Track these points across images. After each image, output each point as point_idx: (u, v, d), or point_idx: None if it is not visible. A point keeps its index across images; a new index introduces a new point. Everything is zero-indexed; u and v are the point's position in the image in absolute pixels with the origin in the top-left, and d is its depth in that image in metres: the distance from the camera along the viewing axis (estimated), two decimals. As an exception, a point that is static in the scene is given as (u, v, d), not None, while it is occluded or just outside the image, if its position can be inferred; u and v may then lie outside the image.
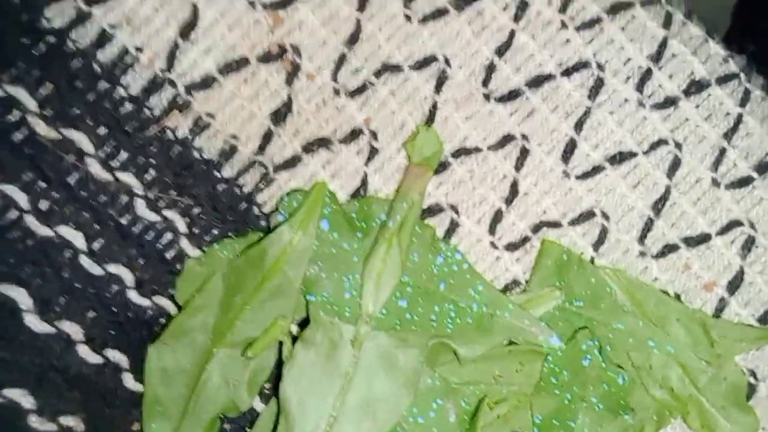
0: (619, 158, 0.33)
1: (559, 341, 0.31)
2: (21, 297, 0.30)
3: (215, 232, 0.32)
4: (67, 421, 0.31)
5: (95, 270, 0.31)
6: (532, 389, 0.32)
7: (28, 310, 0.30)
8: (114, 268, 0.31)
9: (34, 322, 0.30)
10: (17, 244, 0.30)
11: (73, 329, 0.30)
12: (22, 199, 0.29)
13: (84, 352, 0.31)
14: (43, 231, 0.30)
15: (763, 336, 0.33)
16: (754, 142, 0.33)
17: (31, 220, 0.30)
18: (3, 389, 0.30)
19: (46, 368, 0.30)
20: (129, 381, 0.32)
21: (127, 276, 0.31)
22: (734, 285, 0.34)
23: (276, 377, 0.32)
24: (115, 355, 0.31)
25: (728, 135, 0.33)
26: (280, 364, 0.32)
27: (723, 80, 0.33)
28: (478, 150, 0.33)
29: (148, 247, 0.32)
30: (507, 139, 0.33)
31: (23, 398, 0.30)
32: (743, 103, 0.33)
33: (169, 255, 0.32)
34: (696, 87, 0.33)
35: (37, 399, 0.30)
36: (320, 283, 0.31)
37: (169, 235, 0.32)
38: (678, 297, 0.34)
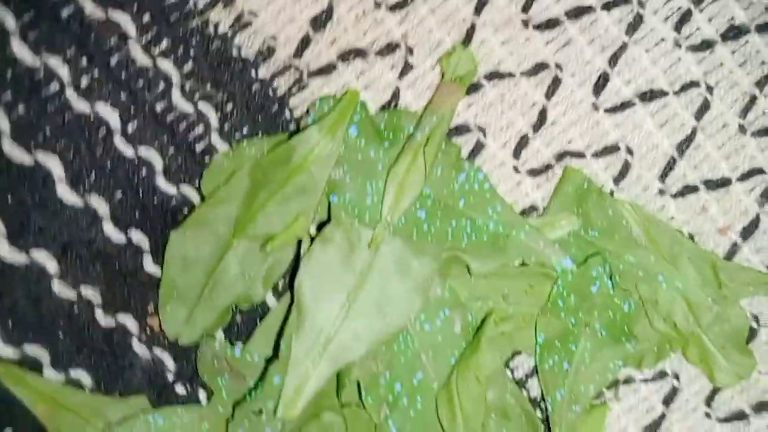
0: (649, 96, 0.33)
1: (571, 263, 0.32)
2: (55, 167, 0.31)
3: (245, 130, 0.33)
4: (87, 291, 0.32)
5: (127, 151, 0.31)
6: (538, 310, 0.33)
7: (60, 180, 0.31)
8: (145, 152, 0.32)
9: (65, 192, 0.31)
10: (56, 116, 0.30)
11: (100, 205, 0.31)
12: (64, 73, 0.30)
13: (108, 229, 0.32)
14: (82, 106, 0.31)
15: (772, 282, 0.33)
16: (787, 92, 0.34)
17: (71, 94, 0.30)
18: (32, 249, 0.31)
19: (72, 239, 0.31)
20: (149, 263, 0.33)
21: (157, 161, 0.32)
22: (748, 231, 0.34)
23: (292, 275, 0.33)
24: (138, 237, 0.32)
25: (761, 83, 0.34)
26: (296, 264, 0.33)
27: (763, 28, 0.33)
28: (511, 75, 0.33)
29: (180, 137, 0.32)
30: (541, 66, 0.33)
31: (49, 262, 0.31)
32: (780, 52, 0.33)
33: (199, 147, 0.33)
34: (734, 32, 0.33)
35: (61, 266, 0.31)
36: (344, 186, 0.32)
37: (200, 128, 0.33)
38: (691, 237, 0.34)
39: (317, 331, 0.30)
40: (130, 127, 0.32)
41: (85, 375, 0.33)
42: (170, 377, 0.34)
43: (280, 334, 0.32)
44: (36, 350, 0.31)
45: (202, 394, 0.34)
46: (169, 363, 0.34)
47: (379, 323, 0.31)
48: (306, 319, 0.31)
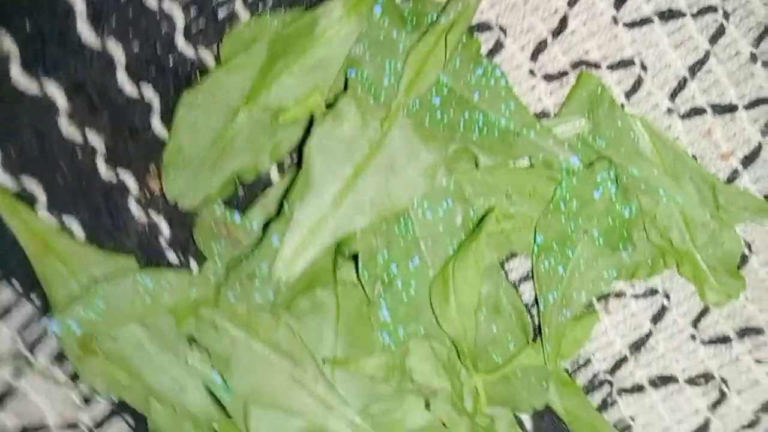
0: (668, 15, 0.34)
1: (578, 161, 0.32)
2: (77, 2, 0.30)
3: (269, 3, 0.33)
4: (92, 137, 0.31)
5: (151, 1, 0.31)
6: (539, 214, 0.33)
7: (81, 15, 0.30)
8: (168, 6, 0.31)
9: (84, 29, 0.30)
10: (81, -48, 0.30)
11: (117, 52, 0.31)
12: None
13: (122, 79, 0.31)
14: (109, -53, 0.30)
15: (767, 209, 0.34)
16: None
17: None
18: (44, 80, 0.30)
19: (85, 80, 0.31)
20: (156, 123, 0.32)
21: (179, 19, 0.32)
22: (750, 159, 0.35)
23: (299, 153, 0.33)
24: (149, 94, 0.32)
25: (776, 16, 0.34)
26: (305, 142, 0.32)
27: (782, -37, 0.34)
28: (535, -20, 0.34)
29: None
30: (564, -26, 0.34)
31: (59, 97, 0.30)
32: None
33: (222, 13, 0.32)
34: (755, -37, 0.34)
35: (71, 104, 0.30)
36: (362, 63, 0.32)
37: (226, -7, 0.32)
38: (694, 159, 0.35)
39: (322, 197, 0.30)
40: (155, -21, 0.31)
41: (78, 226, 0.32)
42: (163, 243, 0.33)
43: (283, 197, 0.31)
44: (33, 185, 0.31)
45: (194, 265, 0.34)
46: (164, 228, 0.33)
47: (384, 199, 0.31)
48: (312, 185, 0.30)
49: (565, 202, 0.33)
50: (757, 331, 0.36)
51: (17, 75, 0.30)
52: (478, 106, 0.32)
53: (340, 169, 0.31)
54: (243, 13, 0.33)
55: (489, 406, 0.34)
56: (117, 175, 0.32)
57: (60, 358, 0.33)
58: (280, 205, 0.31)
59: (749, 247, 0.35)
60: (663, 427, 0.36)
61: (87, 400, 0.34)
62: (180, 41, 0.32)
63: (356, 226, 0.31)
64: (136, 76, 0.31)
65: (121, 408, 0.34)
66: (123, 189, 0.32)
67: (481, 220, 0.32)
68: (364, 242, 0.32)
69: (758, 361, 0.36)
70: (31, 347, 0.32)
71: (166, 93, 0.32)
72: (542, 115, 0.35)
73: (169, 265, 0.33)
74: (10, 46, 0.30)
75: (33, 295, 0.32)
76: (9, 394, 0.33)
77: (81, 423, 0.34)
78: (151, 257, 0.33)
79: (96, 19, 0.30)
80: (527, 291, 0.35)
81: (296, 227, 0.30)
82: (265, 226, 0.32)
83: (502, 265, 0.35)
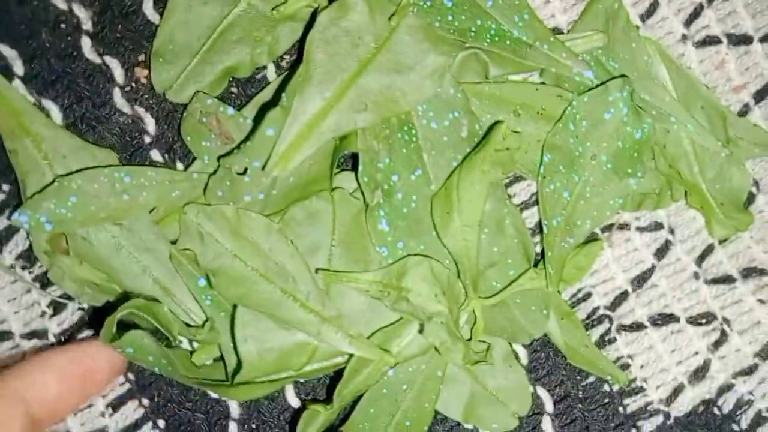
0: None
1: (593, 74, 0.31)
2: None
3: None
4: (79, 11, 0.29)
5: None
6: (546, 135, 0.32)
7: None
8: None
9: None
10: None
11: None
12: None
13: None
14: None
15: (779, 144, 0.33)
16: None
17: None
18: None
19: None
20: (149, 7, 0.30)
21: None
22: (762, 94, 0.34)
23: (300, 49, 0.31)
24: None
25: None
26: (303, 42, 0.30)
27: None
28: None
29: None
30: None
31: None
32: None
33: None
34: None
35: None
36: (372, -44, 0.30)
37: None
38: (707, 88, 0.34)
39: (323, 90, 0.28)
40: None
41: (57, 111, 0.30)
42: (147, 140, 0.31)
43: (281, 91, 0.29)
44: (10, 54, 0.28)
45: (180, 167, 0.31)
46: (150, 124, 0.31)
47: (387, 99, 0.29)
48: (313, 76, 0.28)
49: (575, 122, 0.31)
50: (761, 271, 0.35)
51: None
52: (491, 16, 0.31)
53: (344, 63, 0.29)
54: None
55: (486, 336, 0.32)
56: (103, 59, 0.30)
57: (28, 257, 0.30)
58: (277, 99, 0.29)
59: (756, 185, 0.34)
60: (660, 368, 0.35)
61: (56, 308, 0.31)
62: None
63: (357, 124, 0.29)
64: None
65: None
66: (108, 75, 0.30)
67: (488, 131, 0.31)
68: (365, 143, 0.30)
69: (761, 302, 0.35)
70: (-3, 242, 0.30)
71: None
72: (555, 32, 0.33)
73: (153, 164, 0.31)
74: None
75: (4, 186, 0.29)
76: (-31, 295, 0.30)
77: (49, 332, 0.31)
78: (133, 155, 0.31)
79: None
80: (531, 217, 0.34)
81: (294, 119, 0.28)
82: (259, 119, 0.29)
83: (506, 187, 0.34)
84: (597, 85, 0.31)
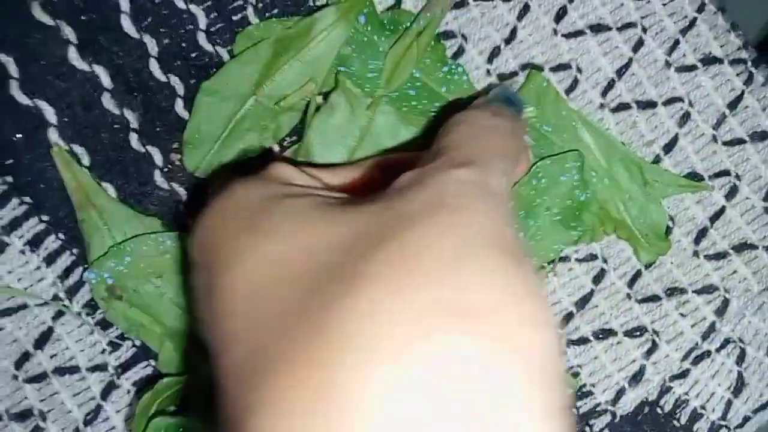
0: (597, 29, 0.42)
1: (530, 141, 0.39)
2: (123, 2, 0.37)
3: (275, 11, 0.40)
4: (128, 114, 0.38)
5: (179, 4, 0.38)
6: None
7: (125, 13, 0.37)
8: (193, 9, 0.38)
9: (127, 25, 0.37)
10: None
11: (151, 44, 0.38)
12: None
13: (153, 67, 0.38)
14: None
15: (686, 185, 0.41)
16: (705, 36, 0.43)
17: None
18: (92, 63, 0.37)
19: (125, 63, 0.38)
20: (180, 107, 0.39)
21: (202, 20, 0.39)
22: (669, 146, 0.43)
23: (298, 132, 0.40)
24: (175, 81, 0.39)
25: (684, 31, 0.42)
26: (301, 124, 0.39)
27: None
28: None
29: (221, 5, 0.39)
30: (514, -3, 0.42)
31: (104, 77, 0.37)
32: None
33: (236, 17, 0.39)
34: (666, -10, 0.42)
35: (113, 84, 0.37)
36: (351, 60, 0.39)
37: (240, 0, 0.39)
38: (623, 145, 0.42)
39: (319, 166, 0.37)
40: (184, -11, 0.39)
41: (112, 189, 0.38)
42: (182, 208, 0.39)
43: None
44: (79, 150, 0.37)
45: (206, 229, 0.40)
46: (183, 195, 0.39)
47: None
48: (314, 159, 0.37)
49: (537, 179, 0.40)
50: (681, 290, 0.42)
51: (73, 57, 0.36)
52: (445, 97, 0.40)
53: (337, 152, 0.38)
54: (253, 18, 0.40)
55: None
56: (146, 148, 0.38)
57: (90, 305, 0.39)
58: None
59: (672, 220, 0.43)
60: (605, 375, 0.42)
61: (114, 346, 0.39)
62: (201, 38, 0.39)
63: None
64: (165, 66, 0.38)
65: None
66: (150, 160, 0.39)
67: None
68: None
69: (683, 315, 0.42)
70: (68, 294, 0.38)
71: (189, 81, 0.39)
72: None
73: (187, 227, 0.40)
74: (69, 34, 0.37)
75: (74, 249, 0.38)
76: (47, 336, 0.38)
77: (109, 365, 0.39)
78: (172, 221, 0.39)
79: (137, 16, 0.37)
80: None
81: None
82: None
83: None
84: (557, 154, 0.40)
